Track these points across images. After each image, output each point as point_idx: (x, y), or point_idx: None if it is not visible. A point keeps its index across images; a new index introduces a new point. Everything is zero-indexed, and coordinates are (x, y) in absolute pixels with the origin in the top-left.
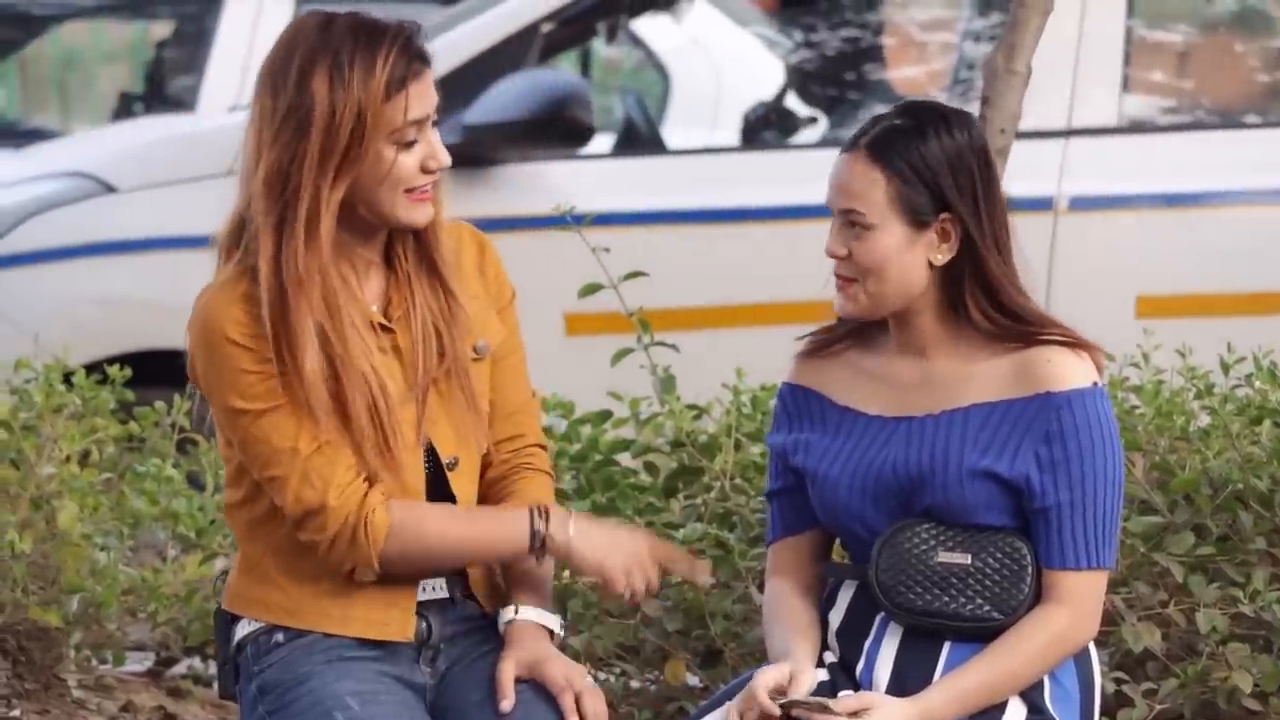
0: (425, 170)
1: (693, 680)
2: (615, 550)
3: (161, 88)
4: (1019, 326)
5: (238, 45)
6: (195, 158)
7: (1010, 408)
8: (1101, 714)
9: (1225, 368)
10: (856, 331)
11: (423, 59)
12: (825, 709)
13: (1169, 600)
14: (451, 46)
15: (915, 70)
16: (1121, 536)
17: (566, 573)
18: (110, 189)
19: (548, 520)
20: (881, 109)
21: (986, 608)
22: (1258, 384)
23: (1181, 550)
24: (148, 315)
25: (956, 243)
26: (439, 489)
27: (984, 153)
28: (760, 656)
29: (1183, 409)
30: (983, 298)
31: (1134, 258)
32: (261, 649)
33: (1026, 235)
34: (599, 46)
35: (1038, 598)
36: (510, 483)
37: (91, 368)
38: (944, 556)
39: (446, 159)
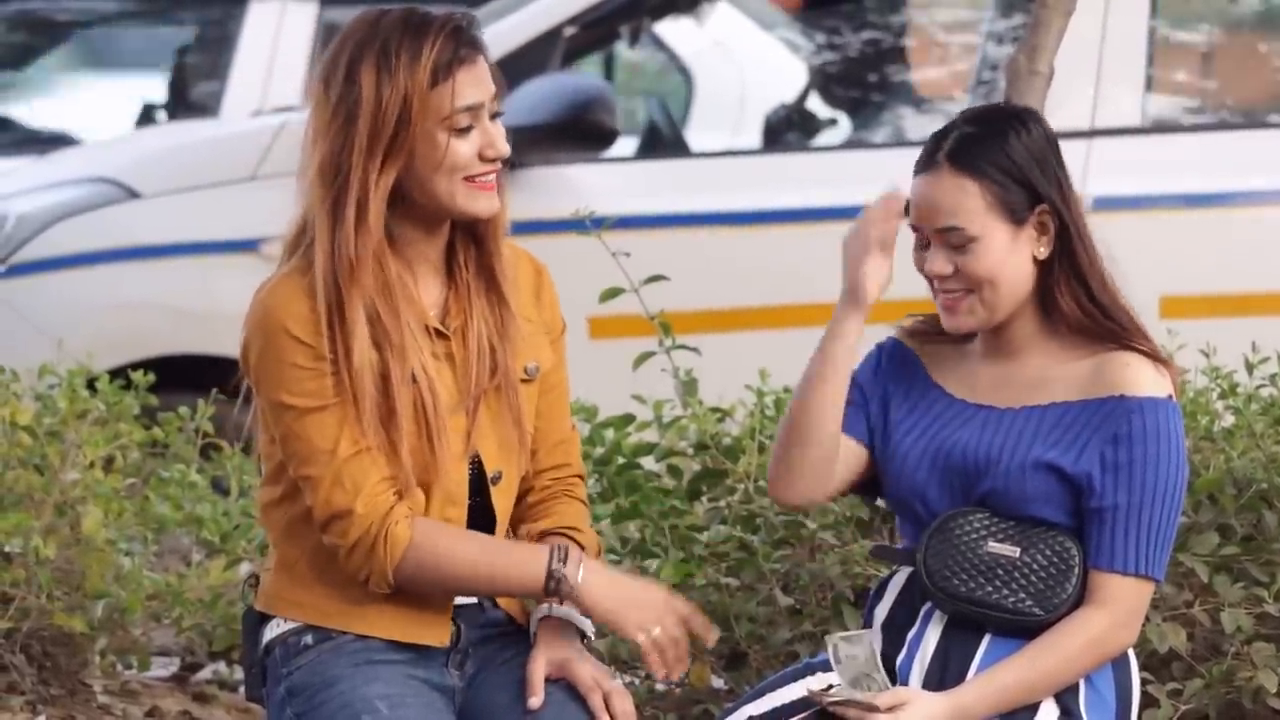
0: (483, 158)
1: (717, 683)
2: (630, 603)
3: (185, 93)
4: (1108, 324)
5: (261, 50)
6: (219, 163)
7: (1085, 407)
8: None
9: (1249, 367)
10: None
11: (473, 45)
12: (871, 707)
13: (1194, 600)
14: None
15: (938, 72)
16: None
17: None
18: (134, 194)
19: (566, 562)
20: (904, 111)
21: (1029, 603)
22: None
23: (1206, 550)
24: (171, 320)
25: (1054, 233)
26: (481, 502)
27: (1056, 143)
28: (785, 659)
29: (1207, 409)
30: (1077, 287)
31: (1158, 258)
32: (290, 651)
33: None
34: (622, 50)
35: (1081, 599)
36: (549, 506)
37: (115, 373)
38: (993, 547)
39: (505, 148)
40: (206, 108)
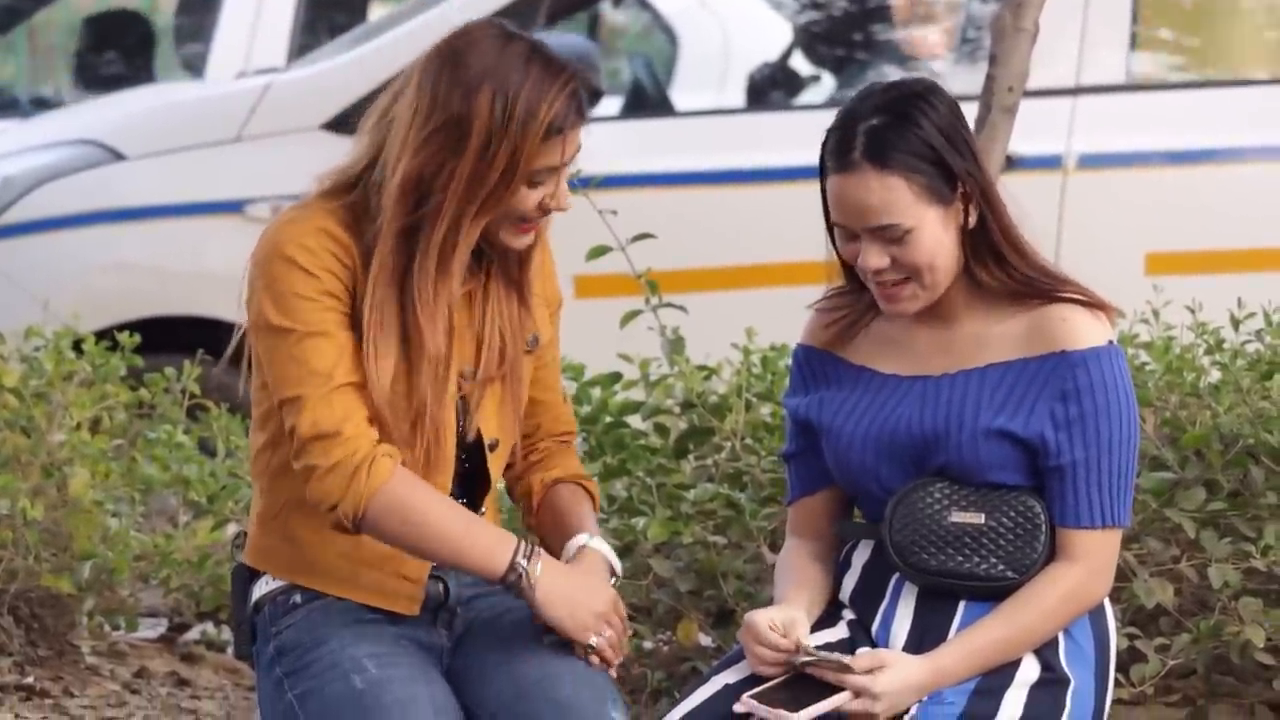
0: (542, 209)
1: (705, 640)
2: (580, 608)
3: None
4: (1036, 281)
5: (245, 12)
6: (204, 124)
7: (1026, 366)
8: (1115, 670)
9: (1235, 323)
10: (873, 302)
11: (582, 111)
12: (844, 667)
13: (1181, 556)
14: (458, 10)
15: (923, 30)
16: (1134, 493)
17: None
18: (119, 156)
19: (530, 559)
20: (889, 69)
21: (1001, 567)
22: (1268, 339)
23: (1193, 506)
24: (157, 282)
25: (977, 203)
26: (473, 469)
27: (958, 109)
28: None
29: (1193, 365)
30: (1004, 249)
31: (1143, 215)
32: (280, 609)
33: (1035, 194)
34: (606, 9)
35: (1052, 556)
36: (553, 459)
37: (101, 335)
38: (957, 516)
39: (567, 204)
40: (192, 69)
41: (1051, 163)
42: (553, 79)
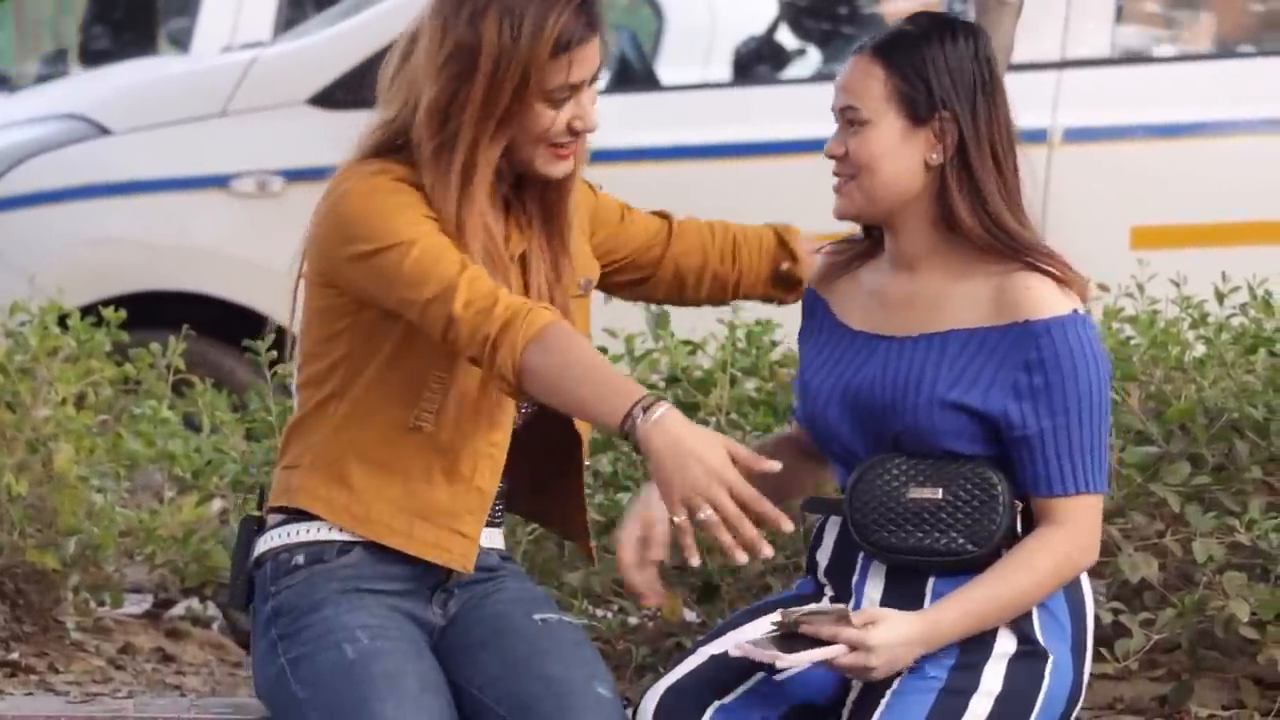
0: (571, 130)
1: (690, 616)
2: (680, 475)
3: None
4: (1004, 238)
5: None
6: (189, 98)
7: (988, 336)
8: (1099, 644)
9: (1220, 297)
10: (869, 250)
11: (593, 24)
12: (842, 617)
13: (1165, 530)
14: None
15: (908, 3)
16: (1117, 467)
17: None
18: (105, 131)
19: (647, 411)
20: None
21: (961, 540)
22: (1252, 313)
23: (1177, 480)
24: (142, 257)
25: (952, 145)
26: (546, 425)
27: (990, 64)
28: (758, 591)
29: (1178, 339)
30: (975, 203)
31: (1128, 189)
32: (281, 569)
33: (1021, 166)
34: None
35: (1011, 527)
36: (740, 241)
37: (87, 310)
38: (915, 493)
39: (594, 123)
40: (178, 43)
41: (1037, 137)
42: None
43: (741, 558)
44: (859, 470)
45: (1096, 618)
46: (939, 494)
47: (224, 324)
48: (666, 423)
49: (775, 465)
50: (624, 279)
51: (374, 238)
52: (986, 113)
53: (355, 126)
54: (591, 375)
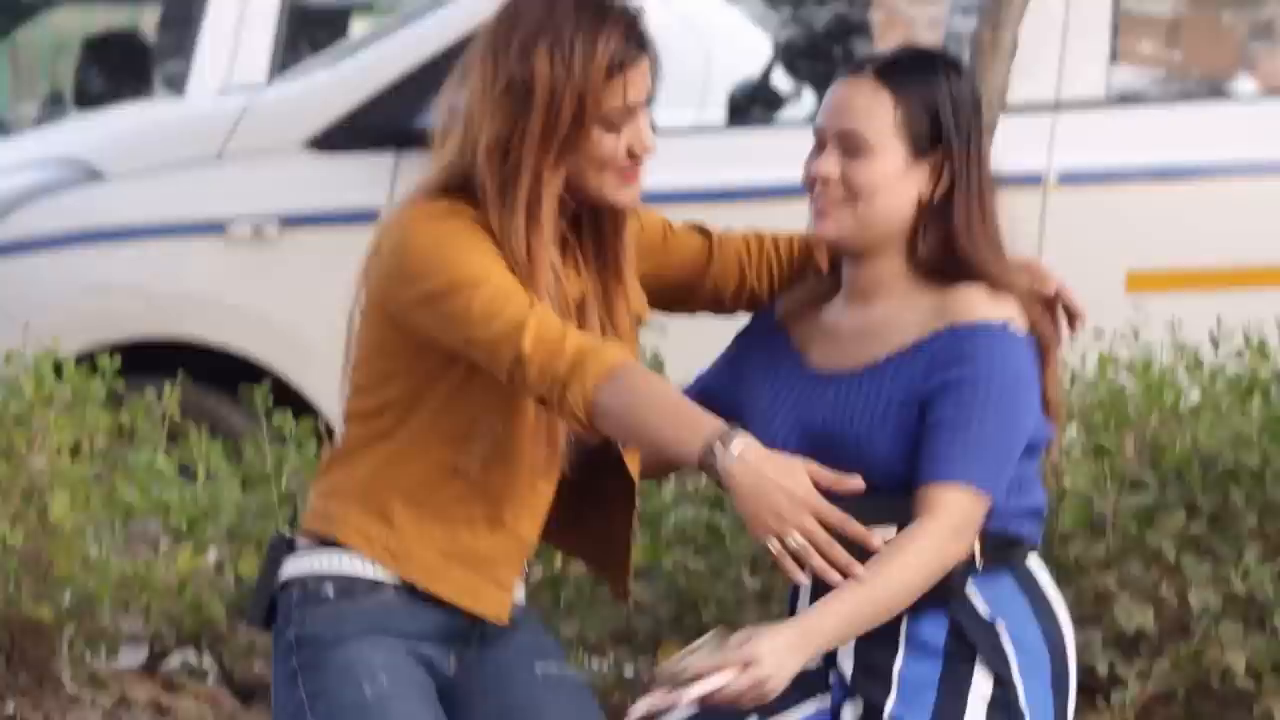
0: (631, 154)
1: None
2: (766, 507)
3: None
4: (958, 264)
5: (226, 29)
6: (185, 142)
7: (919, 351)
8: (1095, 693)
9: (1215, 343)
10: (832, 288)
11: (643, 44)
12: (718, 669)
13: (1161, 579)
14: (440, 27)
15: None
16: (1112, 516)
17: (558, 561)
18: (99, 175)
19: (727, 443)
20: None
21: None
22: (1248, 359)
23: (1173, 529)
24: (138, 304)
25: (947, 182)
26: (604, 461)
27: (979, 106)
28: None
29: (1173, 385)
30: (959, 242)
31: (1124, 232)
32: (310, 598)
33: (1015, 211)
34: None
35: (969, 557)
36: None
37: (82, 357)
38: (876, 534)
39: (652, 145)
40: (173, 86)
41: (1031, 180)
42: (603, 19)
43: (836, 578)
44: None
45: (1092, 669)
46: (894, 531)
47: (220, 372)
48: (747, 455)
49: (858, 483)
50: (658, 297)
51: (443, 278)
52: (979, 152)
53: (352, 170)
54: (665, 410)
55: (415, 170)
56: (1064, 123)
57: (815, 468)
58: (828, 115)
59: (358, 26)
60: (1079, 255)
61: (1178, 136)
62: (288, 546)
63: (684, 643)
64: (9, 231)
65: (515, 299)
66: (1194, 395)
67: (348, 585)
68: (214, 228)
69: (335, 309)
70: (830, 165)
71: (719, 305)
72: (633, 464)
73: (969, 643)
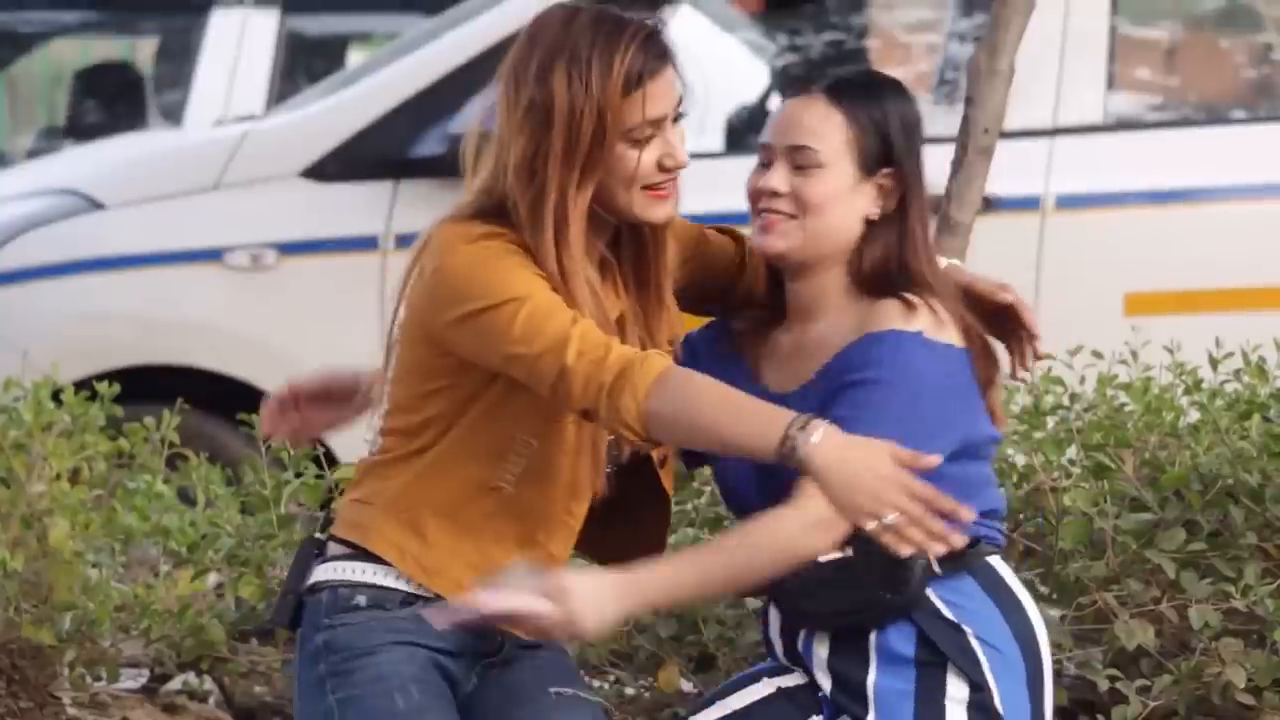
0: (662, 167)
1: (687, 686)
2: (856, 489)
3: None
4: (891, 282)
5: (223, 60)
6: (182, 172)
7: (837, 359)
8: (1096, 711)
9: (1214, 363)
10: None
11: (663, 56)
12: (533, 608)
13: (1161, 597)
14: (437, 56)
15: (901, 72)
16: (1113, 534)
17: None
18: (98, 205)
19: (805, 430)
20: None
21: (879, 591)
22: (1246, 379)
23: (1173, 547)
24: (136, 331)
25: (893, 202)
26: (643, 480)
27: (922, 131)
28: (755, 661)
29: (1172, 405)
30: (903, 260)
31: (1122, 255)
32: (340, 603)
33: (1014, 235)
34: None
35: (925, 564)
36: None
37: (81, 384)
38: (825, 556)
39: (684, 158)
40: (170, 117)
41: (1030, 204)
42: (619, 34)
43: (939, 548)
44: None
45: (1093, 686)
46: (848, 551)
47: (218, 397)
48: (828, 441)
49: (936, 459)
50: (694, 300)
51: (486, 295)
52: (920, 172)
53: (349, 199)
54: (728, 407)
55: (413, 198)
56: (1062, 147)
57: (892, 446)
58: (777, 132)
59: (354, 56)
60: (1078, 278)
61: (1175, 160)
62: (318, 550)
63: (686, 663)
64: (9, 260)
65: (558, 314)
66: (1193, 415)
67: (380, 597)
68: (212, 255)
69: (332, 334)
70: (780, 180)
71: (749, 304)
72: (668, 481)
73: (939, 650)
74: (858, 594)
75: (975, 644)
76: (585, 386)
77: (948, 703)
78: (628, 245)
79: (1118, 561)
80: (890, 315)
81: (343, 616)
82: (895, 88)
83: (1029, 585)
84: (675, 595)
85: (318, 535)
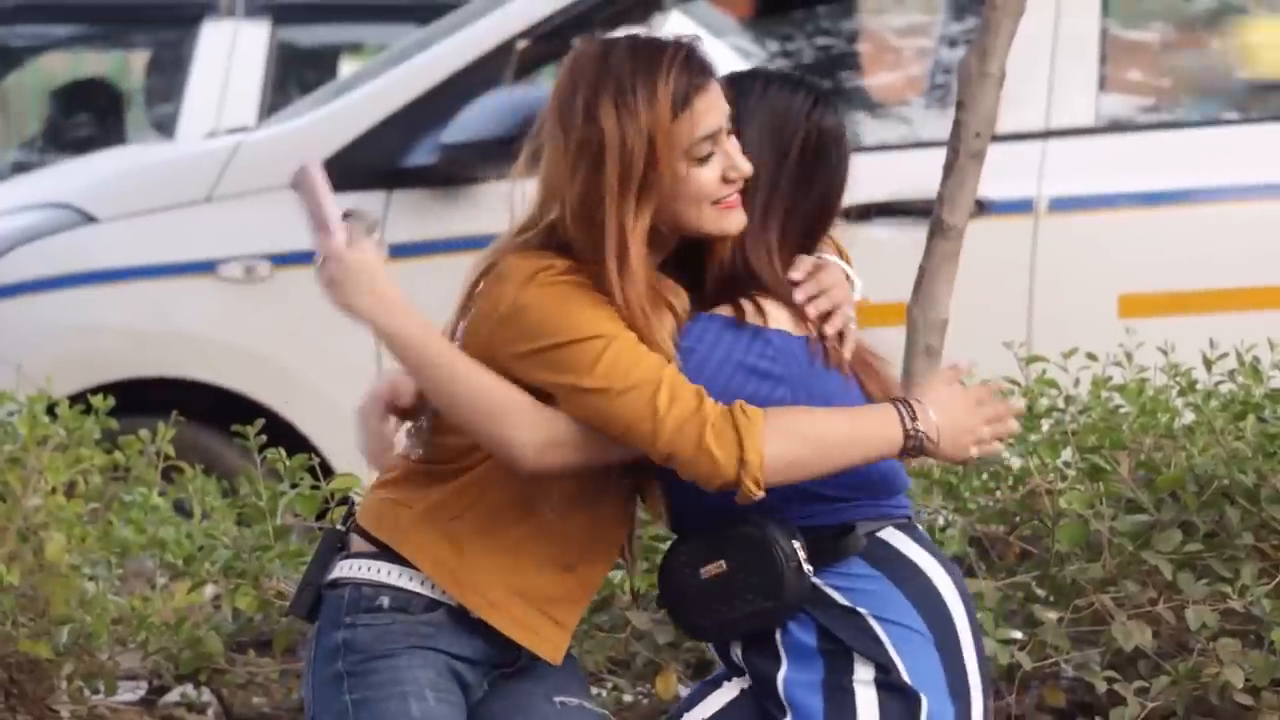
0: (726, 180)
1: (685, 693)
2: (961, 431)
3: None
4: (734, 276)
5: (214, 72)
6: (174, 185)
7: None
8: (1095, 712)
9: (1208, 364)
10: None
11: (704, 70)
12: (360, 223)
13: (1158, 598)
14: (428, 66)
15: (892, 76)
16: (1109, 535)
17: None
18: (90, 219)
19: (917, 418)
20: (859, 116)
21: (757, 599)
22: (1240, 379)
23: (1169, 548)
24: (130, 344)
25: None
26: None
27: (821, 133)
28: None
29: (1167, 406)
30: (746, 247)
31: (1115, 257)
32: (363, 602)
33: (1007, 238)
34: None
35: (796, 566)
36: None
37: (75, 398)
38: (705, 571)
39: (747, 167)
40: (163, 130)
41: (1023, 207)
42: (659, 58)
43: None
44: (659, 569)
45: (1091, 687)
46: (724, 565)
47: (213, 410)
48: (935, 415)
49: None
50: None
51: (567, 331)
52: (795, 174)
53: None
54: (837, 428)
55: (405, 208)
56: (1054, 150)
57: (970, 391)
58: (723, 115)
59: (346, 67)
60: (1072, 281)
61: (1166, 162)
62: (340, 544)
63: (684, 669)
64: (1, 275)
65: (647, 358)
66: (1188, 416)
67: (404, 600)
68: (206, 267)
69: (326, 346)
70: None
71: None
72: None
73: (838, 638)
74: (741, 604)
75: (874, 624)
76: (676, 435)
77: (856, 685)
78: (688, 256)
79: (1114, 563)
80: (710, 308)
81: (364, 617)
82: (782, 85)
83: (1024, 588)
84: (404, 355)
85: (340, 528)
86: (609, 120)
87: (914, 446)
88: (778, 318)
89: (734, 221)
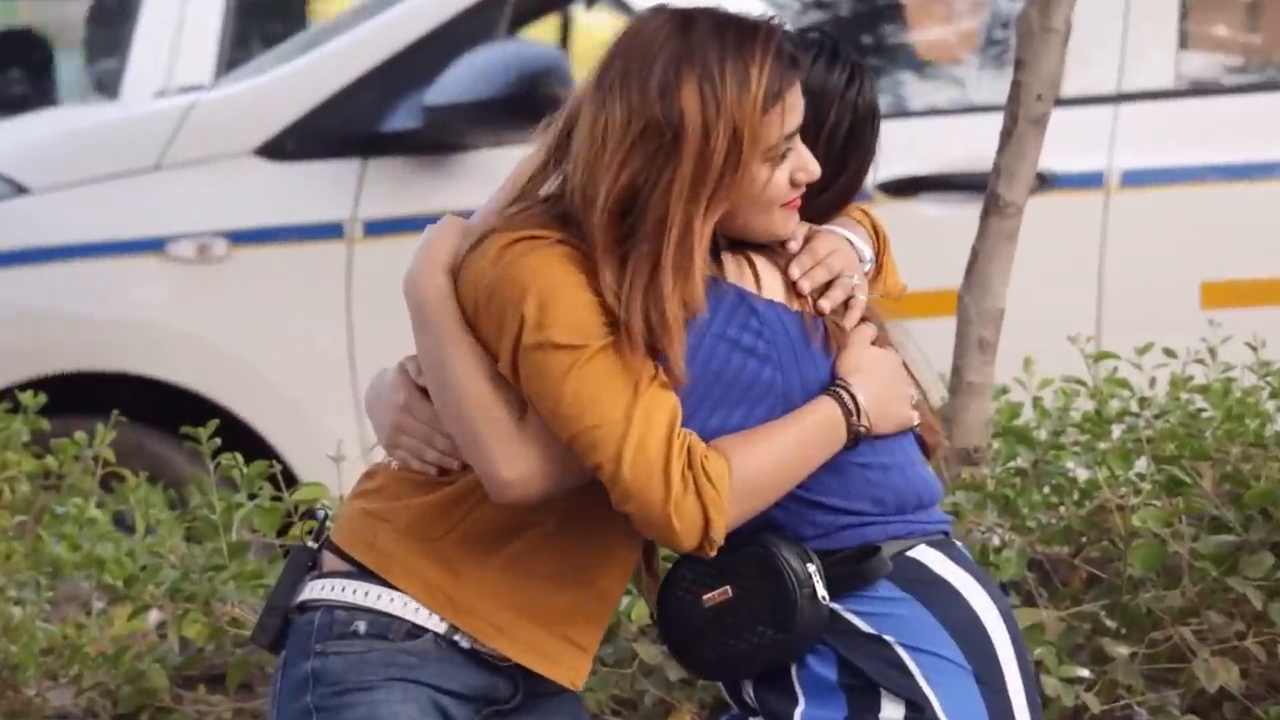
0: (794, 183)
1: None
2: (891, 399)
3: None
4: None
5: (165, 23)
6: (119, 151)
7: None
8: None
9: None
10: None
11: (795, 62)
12: None
13: (1246, 631)
14: (409, 16)
15: (941, 31)
16: (1190, 559)
17: None
18: (21, 189)
19: (857, 412)
20: (904, 76)
21: (768, 631)
22: None
23: (1259, 573)
24: (67, 333)
25: None
26: None
27: (856, 115)
28: None
29: (1256, 410)
30: None
31: (1197, 239)
32: (335, 628)
33: (1073, 217)
34: (578, 12)
35: (810, 592)
36: None
37: (1, 394)
38: (708, 599)
39: (816, 170)
40: (105, 88)
41: (1092, 181)
42: (751, 41)
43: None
44: (657, 598)
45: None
46: (730, 592)
47: (160, 409)
48: (865, 400)
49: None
50: None
51: (558, 330)
52: (825, 154)
53: (310, 180)
54: (785, 448)
55: (382, 179)
56: (1127, 116)
57: (885, 356)
58: (798, 114)
59: (317, 17)
60: (1147, 266)
61: (1256, 130)
62: (311, 562)
63: (698, 710)
64: None
65: (614, 385)
66: None
67: (382, 625)
68: (153, 245)
69: (291, 336)
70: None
71: None
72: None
73: (861, 670)
74: (749, 635)
75: (902, 653)
76: (634, 493)
77: None
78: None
79: (1195, 590)
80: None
81: (337, 644)
82: (817, 55)
83: (1091, 618)
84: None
85: (310, 544)
86: (691, 103)
87: (854, 439)
88: (771, 286)
89: (794, 224)
